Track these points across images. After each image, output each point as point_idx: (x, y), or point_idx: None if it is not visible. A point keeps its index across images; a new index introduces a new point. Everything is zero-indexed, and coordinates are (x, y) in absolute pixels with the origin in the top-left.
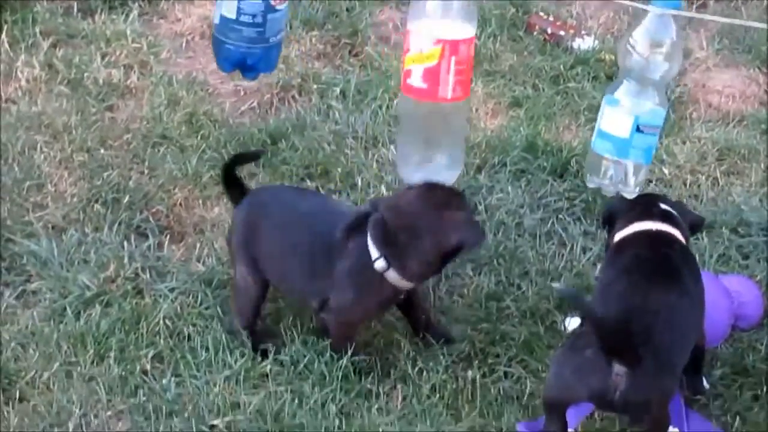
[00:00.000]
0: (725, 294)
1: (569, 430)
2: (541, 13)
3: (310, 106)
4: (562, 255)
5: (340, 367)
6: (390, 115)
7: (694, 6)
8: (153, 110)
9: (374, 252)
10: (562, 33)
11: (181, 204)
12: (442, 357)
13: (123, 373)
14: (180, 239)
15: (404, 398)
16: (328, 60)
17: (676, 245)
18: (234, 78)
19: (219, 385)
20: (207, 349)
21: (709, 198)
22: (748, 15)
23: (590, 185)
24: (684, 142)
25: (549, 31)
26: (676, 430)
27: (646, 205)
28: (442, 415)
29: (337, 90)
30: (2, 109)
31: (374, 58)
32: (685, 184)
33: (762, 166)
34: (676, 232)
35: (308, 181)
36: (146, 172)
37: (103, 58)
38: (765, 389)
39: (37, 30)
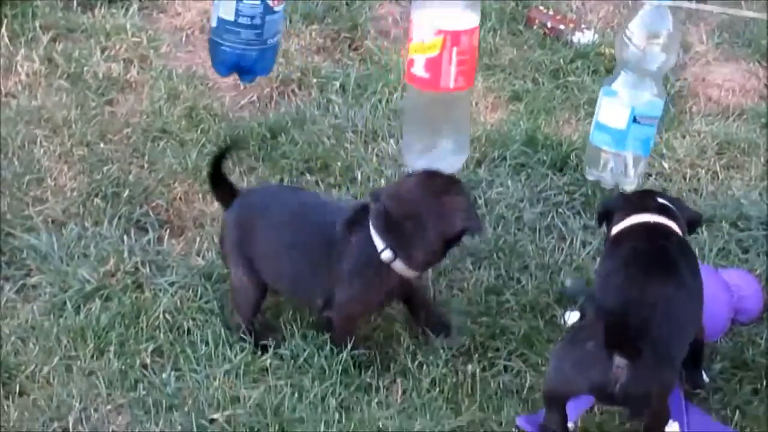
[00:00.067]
0: (725, 288)
1: (569, 423)
2: (541, 7)
3: (310, 100)
4: (562, 249)
5: (340, 361)
6: (390, 109)
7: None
8: (153, 104)
9: (379, 243)
10: (561, 27)
11: (180, 198)
12: (441, 351)
13: (123, 367)
14: (180, 233)
15: (404, 392)
16: (328, 54)
17: (674, 237)
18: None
19: (219, 379)
20: (207, 344)
21: (708, 192)
22: (747, 9)
23: (590, 178)
24: (684, 136)
25: (549, 25)
26: (676, 423)
27: (643, 198)
28: (442, 409)
29: (337, 84)
30: (2, 103)
31: (374, 52)
32: (685, 178)
33: (762, 160)
34: (673, 225)
35: (308, 175)
36: (146, 166)
37: (102, 52)
38: (765, 383)
39: (37, 24)
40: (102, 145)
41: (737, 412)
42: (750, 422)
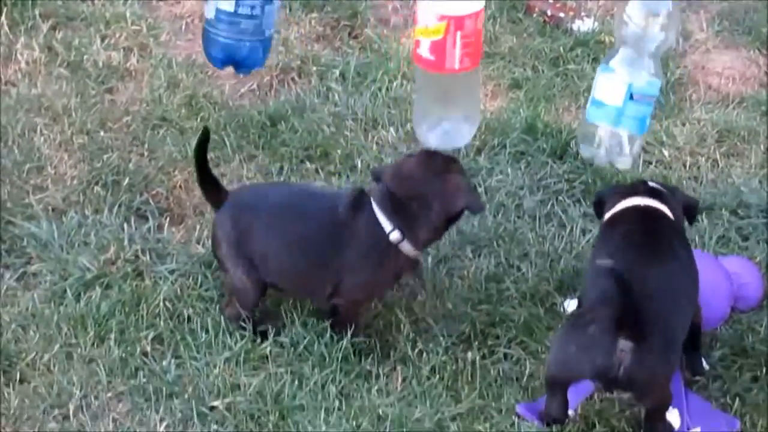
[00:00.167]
0: (725, 276)
1: (569, 411)
2: None
3: (310, 88)
4: (562, 236)
5: (340, 348)
6: (389, 97)
7: None
8: (152, 92)
9: (386, 224)
10: (561, 15)
11: (180, 186)
12: (441, 338)
13: (123, 354)
14: (180, 221)
15: (404, 379)
16: (328, 42)
17: (665, 220)
18: None
19: (219, 367)
20: (207, 331)
21: (708, 180)
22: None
23: (584, 155)
24: (684, 124)
25: (548, 12)
26: (676, 410)
27: (634, 184)
28: (442, 397)
29: (337, 72)
30: (2, 92)
31: (374, 40)
32: (685, 166)
33: (762, 147)
34: (663, 208)
35: (308, 163)
36: (146, 154)
37: (102, 40)
38: (764, 370)
39: (37, 12)
40: (102, 133)
41: (737, 399)
42: (750, 409)
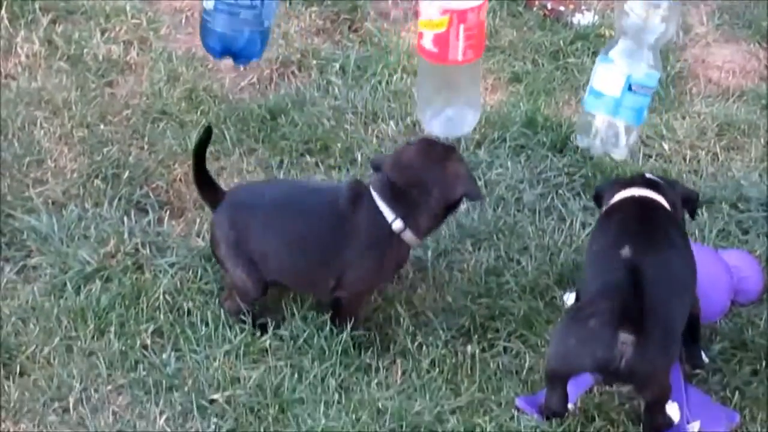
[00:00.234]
0: (725, 269)
1: (569, 404)
2: None
3: (310, 82)
4: (562, 230)
5: (340, 341)
6: (389, 91)
7: None
8: (153, 86)
9: (389, 214)
10: (561, 8)
11: (180, 179)
12: (441, 332)
13: (123, 347)
14: (180, 214)
15: (404, 373)
16: (328, 36)
17: (661, 210)
18: None
19: (219, 360)
20: (207, 324)
21: (708, 173)
22: None
23: (580, 145)
24: (684, 118)
25: (549, 6)
26: (676, 404)
27: (632, 177)
28: (442, 390)
29: (337, 66)
30: (2, 85)
31: (374, 34)
32: (685, 160)
33: (762, 141)
34: (660, 199)
35: (308, 156)
36: (146, 147)
37: (102, 34)
38: (764, 364)
39: (37, 6)
40: (102, 126)
41: (737, 392)
42: (749, 403)
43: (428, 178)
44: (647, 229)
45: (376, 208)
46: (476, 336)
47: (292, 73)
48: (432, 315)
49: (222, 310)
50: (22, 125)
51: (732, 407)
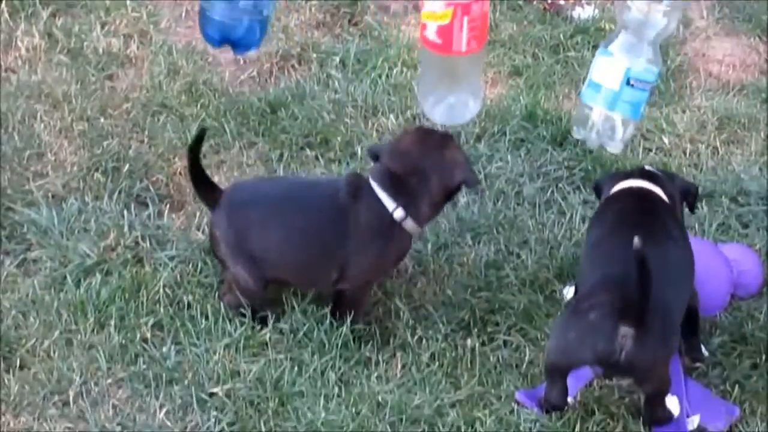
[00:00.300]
0: (725, 263)
1: (569, 398)
2: None
3: (310, 75)
4: (562, 224)
5: (340, 335)
6: (390, 84)
7: None
8: (153, 79)
9: (389, 203)
10: (561, 2)
11: (180, 173)
12: (441, 325)
13: (123, 341)
14: (180, 208)
15: (403, 366)
16: (328, 29)
17: (659, 201)
18: None
19: (219, 353)
20: (207, 318)
21: (708, 167)
22: None
23: (576, 136)
24: (684, 111)
25: (548, 0)
26: (675, 398)
27: (631, 169)
28: (441, 383)
29: (337, 59)
30: (2, 78)
31: (374, 27)
32: (685, 153)
33: (762, 135)
34: (657, 190)
35: (308, 150)
36: (146, 140)
37: (102, 27)
38: (764, 357)
39: None
40: (102, 119)
41: (736, 386)
42: (749, 396)
43: (427, 165)
44: (644, 219)
45: (377, 198)
46: (476, 329)
47: (292, 66)
48: (432, 308)
49: (222, 304)
50: (22, 118)
51: (732, 401)
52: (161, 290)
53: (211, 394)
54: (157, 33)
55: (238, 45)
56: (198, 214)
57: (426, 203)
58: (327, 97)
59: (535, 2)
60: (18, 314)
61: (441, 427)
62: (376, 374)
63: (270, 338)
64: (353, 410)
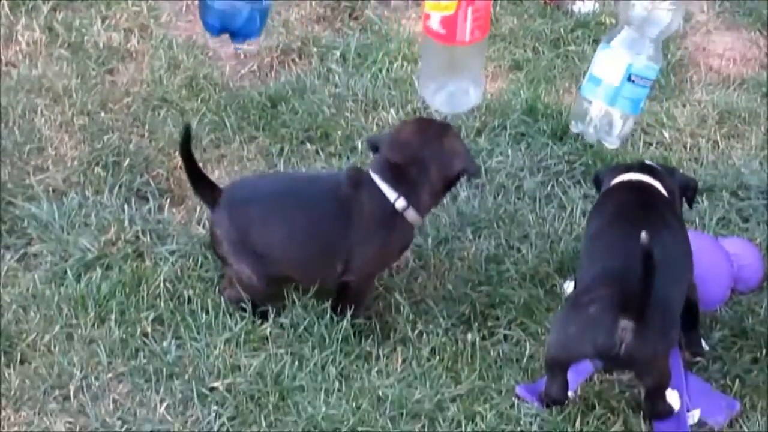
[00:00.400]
0: (725, 257)
1: (569, 392)
2: None
3: (310, 70)
4: (562, 218)
5: (340, 329)
6: (390, 79)
7: None
8: (153, 73)
9: (391, 194)
10: None
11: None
12: (441, 320)
13: (123, 335)
14: (180, 202)
15: (404, 361)
16: (328, 23)
17: (657, 195)
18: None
19: (219, 348)
20: (207, 312)
21: (709, 161)
22: None
23: (574, 130)
24: (684, 105)
25: None
26: (676, 392)
27: (631, 163)
28: (442, 378)
29: (337, 53)
30: (3, 73)
31: (374, 22)
32: (686, 148)
33: (762, 129)
34: (656, 183)
35: (308, 144)
36: (147, 135)
37: (103, 21)
38: (764, 352)
39: None
40: (102, 114)
41: (737, 380)
42: (749, 391)
43: (426, 154)
44: (643, 212)
45: (378, 189)
46: (476, 324)
47: (293, 60)
48: (432, 303)
49: (222, 298)
50: (23, 113)
51: (732, 395)
52: (162, 285)
53: (212, 389)
54: (157, 27)
55: (238, 34)
56: (198, 208)
57: (426, 193)
58: (327, 91)
59: None
60: (18, 309)
61: (441, 422)
62: (376, 369)
63: (270, 333)
64: (354, 405)
